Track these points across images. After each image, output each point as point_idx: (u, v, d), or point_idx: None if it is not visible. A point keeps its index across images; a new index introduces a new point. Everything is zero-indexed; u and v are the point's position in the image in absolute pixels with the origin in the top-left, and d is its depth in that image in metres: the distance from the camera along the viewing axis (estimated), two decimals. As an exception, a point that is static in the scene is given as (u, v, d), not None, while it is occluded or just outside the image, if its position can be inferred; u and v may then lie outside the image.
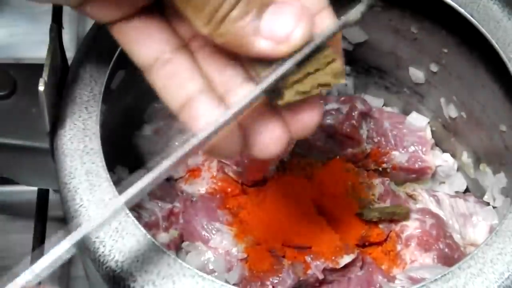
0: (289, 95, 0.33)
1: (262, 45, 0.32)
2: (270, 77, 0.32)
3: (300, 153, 0.55)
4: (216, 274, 0.48)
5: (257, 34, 0.32)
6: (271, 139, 0.34)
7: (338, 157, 0.55)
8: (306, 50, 0.32)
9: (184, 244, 0.50)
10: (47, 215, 0.55)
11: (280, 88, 0.33)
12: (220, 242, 0.49)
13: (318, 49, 0.33)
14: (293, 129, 0.35)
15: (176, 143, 0.33)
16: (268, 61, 0.33)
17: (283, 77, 0.33)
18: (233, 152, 0.35)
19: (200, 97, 0.34)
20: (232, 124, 0.34)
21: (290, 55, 0.32)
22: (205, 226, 0.50)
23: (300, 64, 0.33)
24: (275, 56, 0.32)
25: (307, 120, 0.34)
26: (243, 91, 0.34)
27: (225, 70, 0.35)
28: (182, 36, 0.36)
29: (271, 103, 0.34)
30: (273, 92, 0.33)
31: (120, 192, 0.32)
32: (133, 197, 0.32)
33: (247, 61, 0.34)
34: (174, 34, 0.36)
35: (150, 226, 0.49)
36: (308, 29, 0.32)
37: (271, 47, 0.32)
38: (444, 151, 0.59)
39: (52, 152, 0.43)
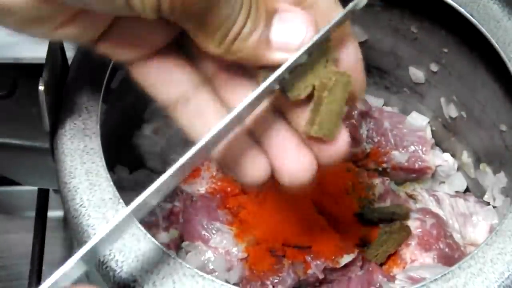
0: (298, 88, 0.33)
1: (276, 56, 0.32)
2: (273, 75, 0.32)
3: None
4: (216, 273, 0.48)
5: (269, 46, 0.32)
6: (299, 167, 0.34)
7: (338, 157, 0.55)
8: (311, 43, 0.32)
9: (184, 244, 0.50)
10: (47, 215, 0.55)
11: (290, 81, 0.33)
12: (220, 241, 0.49)
13: (324, 40, 0.33)
14: (320, 158, 0.35)
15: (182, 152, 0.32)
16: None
17: (290, 71, 0.32)
18: (259, 179, 0.35)
19: None
20: (257, 150, 0.34)
21: None
22: (205, 226, 0.50)
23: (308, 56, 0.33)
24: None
25: (334, 149, 0.34)
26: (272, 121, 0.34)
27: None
28: (203, 71, 0.35)
29: (285, 100, 0.34)
30: (284, 87, 0.33)
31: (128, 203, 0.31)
32: (140, 207, 0.31)
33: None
34: (195, 70, 0.35)
35: (150, 226, 0.49)
36: (314, 31, 0.32)
37: (285, 56, 0.32)
38: (444, 151, 0.59)
39: (52, 152, 0.43)
